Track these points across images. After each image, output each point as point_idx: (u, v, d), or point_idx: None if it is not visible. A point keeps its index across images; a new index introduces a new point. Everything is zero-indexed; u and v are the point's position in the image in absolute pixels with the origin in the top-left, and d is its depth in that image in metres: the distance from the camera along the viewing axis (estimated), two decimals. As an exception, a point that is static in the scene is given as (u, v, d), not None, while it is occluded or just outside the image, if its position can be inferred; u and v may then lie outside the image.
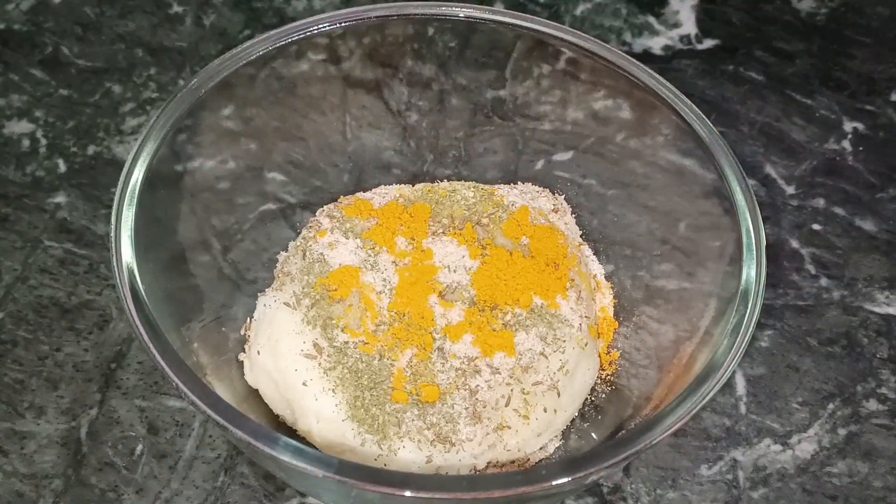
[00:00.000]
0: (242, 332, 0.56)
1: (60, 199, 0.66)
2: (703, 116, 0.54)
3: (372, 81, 0.62)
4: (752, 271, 0.49)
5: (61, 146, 0.69)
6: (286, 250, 0.58)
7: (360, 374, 0.50)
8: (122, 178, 0.50)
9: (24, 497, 0.53)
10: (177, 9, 0.79)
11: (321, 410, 0.50)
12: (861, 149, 0.73)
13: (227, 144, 0.58)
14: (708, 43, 0.80)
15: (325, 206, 0.59)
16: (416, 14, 0.58)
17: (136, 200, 0.49)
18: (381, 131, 0.63)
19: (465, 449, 0.49)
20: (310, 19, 0.57)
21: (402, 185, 0.62)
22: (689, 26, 0.80)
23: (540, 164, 0.63)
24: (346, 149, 0.63)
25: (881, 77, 0.78)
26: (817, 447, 0.58)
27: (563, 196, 0.62)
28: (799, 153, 0.72)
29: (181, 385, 0.43)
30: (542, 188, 0.62)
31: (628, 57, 0.57)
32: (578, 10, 0.82)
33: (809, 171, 0.71)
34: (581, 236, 0.61)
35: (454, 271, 0.54)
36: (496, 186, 0.61)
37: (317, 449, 0.50)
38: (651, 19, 0.81)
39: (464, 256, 0.55)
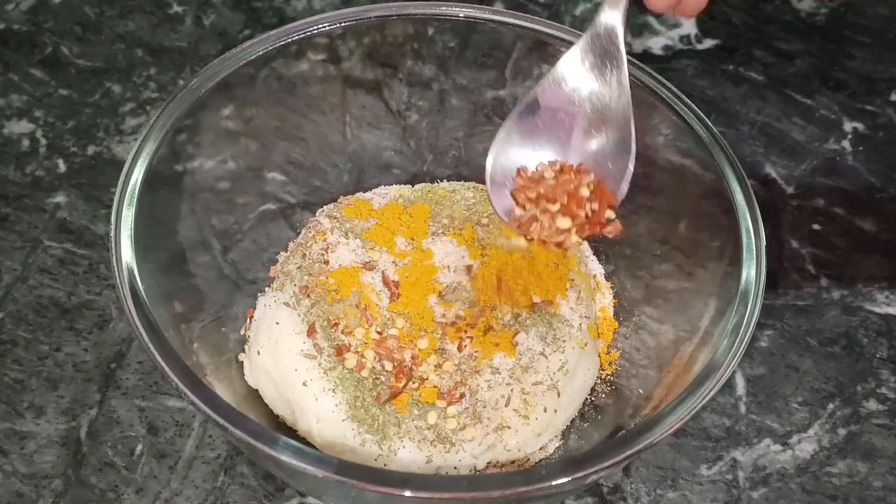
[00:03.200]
0: (242, 332, 0.56)
1: (60, 199, 0.66)
2: (703, 116, 0.54)
3: (372, 81, 0.61)
4: (752, 271, 0.49)
5: (61, 146, 0.69)
6: (286, 250, 0.58)
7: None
8: (122, 178, 0.50)
9: (24, 497, 0.53)
10: (177, 9, 0.79)
11: (321, 410, 0.50)
12: (861, 149, 0.73)
13: (227, 144, 0.58)
14: (708, 43, 0.80)
15: (325, 206, 0.59)
16: (416, 14, 0.58)
17: (136, 200, 0.49)
18: (381, 131, 0.63)
19: (465, 449, 0.49)
20: (310, 19, 0.57)
21: (402, 185, 0.62)
22: (688, 26, 0.80)
23: (540, 164, 0.63)
24: (346, 149, 0.63)
25: (881, 77, 0.78)
26: (817, 447, 0.58)
27: (563, 196, 0.62)
28: (799, 153, 0.72)
29: (181, 385, 0.43)
30: (541, 188, 0.62)
31: (628, 57, 0.56)
32: (578, 10, 0.82)
33: (809, 171, 0.71)
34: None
35: (454, 271, 0.54)
36: (496, 186, 0.61)
37: (317, 449, 0.50)
38: (651, 19, 0.81)
39: (464, 256, 0.55)
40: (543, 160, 0.49)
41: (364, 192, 0.61)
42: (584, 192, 0.48)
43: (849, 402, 0.59)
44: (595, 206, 0.48)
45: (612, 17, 0.49)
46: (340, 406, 0.50)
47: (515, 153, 0.50)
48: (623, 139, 0.48)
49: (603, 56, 0.49)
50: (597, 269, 0.61)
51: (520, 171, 0.49)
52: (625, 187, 0.48)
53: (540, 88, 0.49)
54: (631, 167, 0.48)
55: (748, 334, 0.47)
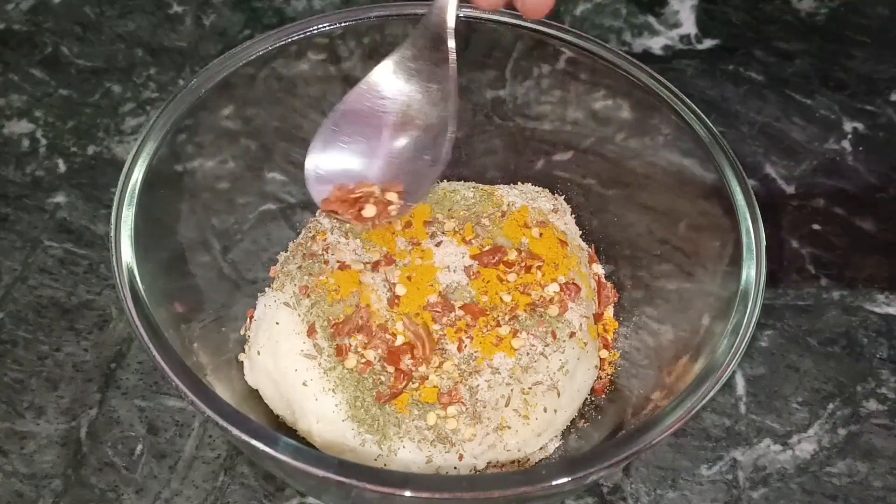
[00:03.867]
0: (242, 332, 0.56)
1: (60, 199, 0.66)
2: (703, 116, 0.54)
3: (372, 81, 0.61)
4: (752, 271, 0.49)
5: (61, 146, 0.69)
6: (286, 250, 0.58)
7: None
8: (122, 178, 0.50)
9: (23, 497, 0.53)
10: (177, 9, 0.79)
11: (321, 411, 0.50)
12: (861, 149, 0.73)
13: (227, 144, 0.58)
14: (708, 43, 0.80)
15: (325, 207, 0.59)
16: (416, 14, 0.58)
17: (136, 200, 0.49)
18: (381, 131, 0.63)
19: (465, 449, 0.49)
20: (310, 19, 0.57)
21: (403, 186, 0.62)
22: (689, 26, 0.80)
23: (540, 164, 0.63)
24: (346, 149, 0.63)
25: (881, 77, 0.78)
26: (817, 447, 0.58)
27: (563, 196, 0.62)
28: (799, 153, 0.72)
29: (181, 385, 0.43)
30: (541, 188, 0.62)
31: (628, 57, 0.57)
32: (578, 10, 0.82)
33: (809, 171, 0.71)
34: (581, 236, 0.61)
35: (454, 271, 0.54)
36: (496, 186, 0.61)
37: (317, 449, 0.50)
38: (651, 19, 0.81)
39: (464, 256, 0.55)
40: (356, 166, 0.50)
41: (364, 193, 0.61)
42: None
43: (849, 402, 0.59)
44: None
45: (439, 17, 0.47)
46: (340, 406, 0.50)
47: (330, 155, 0.50)
48: (436, 148, 0.49)
49: (429, 59, 0.48)
50: (597, 269, 0.61)
51: (339, 186, 0.50)
52: (422, 193, 0.50)
53: (355, 93, 0.50)
54: (435, 174, 0.49)
55: (748, 334, 0.47)
